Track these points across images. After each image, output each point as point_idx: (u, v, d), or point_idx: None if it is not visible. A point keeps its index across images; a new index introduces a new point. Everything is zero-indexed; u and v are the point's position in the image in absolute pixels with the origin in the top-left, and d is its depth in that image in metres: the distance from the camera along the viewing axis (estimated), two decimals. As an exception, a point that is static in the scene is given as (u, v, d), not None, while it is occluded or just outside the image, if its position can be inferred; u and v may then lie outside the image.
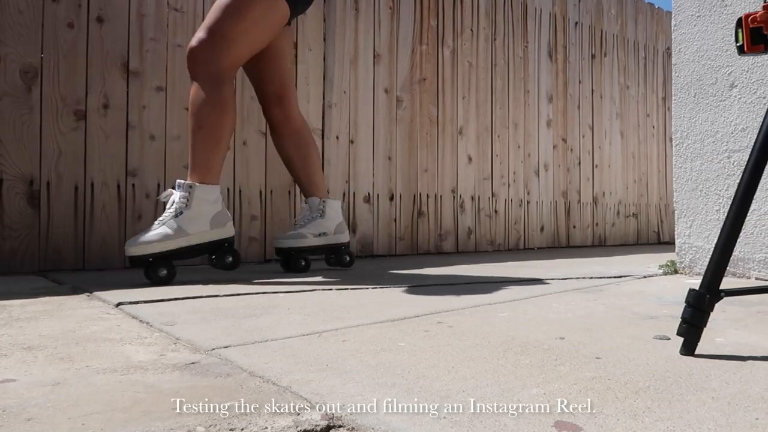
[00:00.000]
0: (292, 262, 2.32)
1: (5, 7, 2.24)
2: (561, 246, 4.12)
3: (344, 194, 3.10)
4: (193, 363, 0.95)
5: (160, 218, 1.95)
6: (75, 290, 1.74)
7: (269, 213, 2.84)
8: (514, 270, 2.46)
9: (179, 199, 1.94)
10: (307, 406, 0.75)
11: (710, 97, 2.22)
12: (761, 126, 1.02)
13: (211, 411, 0.72)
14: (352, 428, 0.69)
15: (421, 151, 3.42)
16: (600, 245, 4.36)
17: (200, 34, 2.02)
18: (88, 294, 1.66)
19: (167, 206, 1.97)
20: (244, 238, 2.75)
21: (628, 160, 4.63)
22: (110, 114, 2.45)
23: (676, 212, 2.32)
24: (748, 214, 2.04)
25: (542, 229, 4.03)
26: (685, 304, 1.02)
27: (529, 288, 1.86)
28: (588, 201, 4.33)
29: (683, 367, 0.93)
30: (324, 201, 2.40)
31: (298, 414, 0.72)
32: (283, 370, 0.91)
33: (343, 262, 2.45)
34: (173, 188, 1.99)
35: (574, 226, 4.23)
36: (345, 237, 2.46)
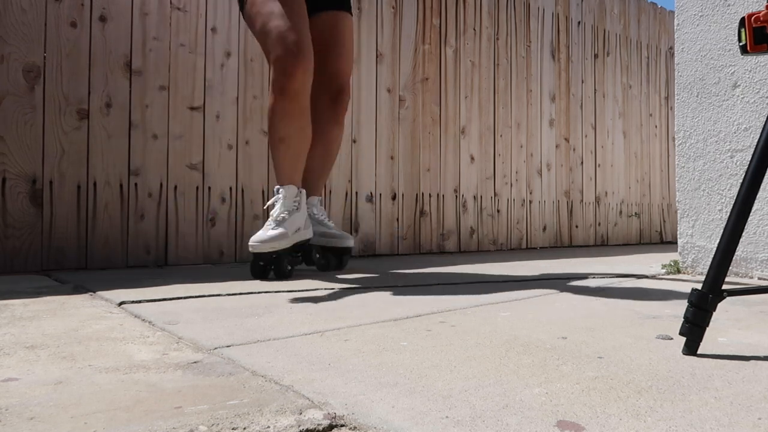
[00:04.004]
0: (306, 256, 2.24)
1: (8, 6, 2.25)
2: (563, 246, 4.12)
3: (346, 193, 3.10)
4: (195, 362, 0.95)
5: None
6: (77, 289, 1.75)
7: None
8: (517, 269, 2.46)
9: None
10: (309, 405, 0.75)
11: (713, 97, 2.22)
12: (764, 125, 1.02)
13: (214, 410, 0.72)
14: (355, 428, 0.69)
15: (423, 151, 3.42)
16: (602, 245, 4.36)
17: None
18: (90, 293, 1.66)
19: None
20: (247, 238, 2.75)
21: (631, 159, 4.62)
22: (113, 113, 2.45)
23: (678, 212, 2.31)
24: (751, 214, 2.04)
25: (545, 228, 4.03)
26: (687, 304, 1.01)
27: (531, 287, 1.86)
28: (590, 200, 4.32)
29: (686, 367, 0.93)
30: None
31: (301, 413, 0.72)
32: (285, 369, 0.91)
33: (313, 261, 2.29)
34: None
35: (577, 226, 4.23)
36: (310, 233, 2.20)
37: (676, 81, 2.34)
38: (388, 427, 0.68)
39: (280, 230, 1.97)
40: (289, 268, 2.02)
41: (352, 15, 2.35)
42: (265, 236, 1.96)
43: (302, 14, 2.03)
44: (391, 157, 3.28)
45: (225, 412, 0.71)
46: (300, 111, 2.02)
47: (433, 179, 3.46)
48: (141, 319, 1.30)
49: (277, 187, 2.06)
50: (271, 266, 2.00)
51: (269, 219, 2.03)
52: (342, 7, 2.31)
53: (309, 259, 2.27)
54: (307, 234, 2.13)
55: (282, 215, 2.01)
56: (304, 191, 2.11)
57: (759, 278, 2.08)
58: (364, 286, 1.85)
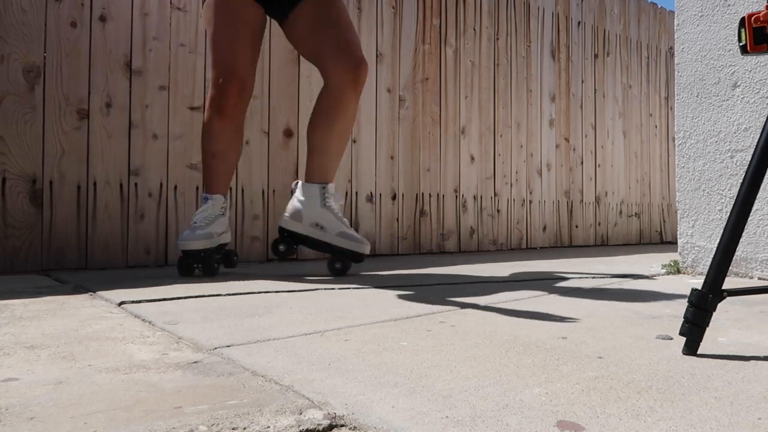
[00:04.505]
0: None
1: (8, 6, 2.25)
2: (563, 246, 4.12)
3: (346, 193, 3.10)
4: (195, 362, 0.95)
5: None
6: (77, 289, 1.75)
7: (271, 212, 2.84)
8: (516, 269, 2.46)
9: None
10: (309, 405, 0.75)
11: (713, 97, 2.22)
12: (765, 125, 1.02)
13: (214, 410, 0.72)
14: (355, 428, 0.69)
15: (423, 151, 3.41)
16: (602, 245, 4.36)
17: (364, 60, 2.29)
18: (90, 293, 1.67)
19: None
20: (246, 238, 2.75)
21: (631, 159, 4.62)
22: (113, 113, 2.45)
23: (678, 212, 2.31)
24: (751, 214, 2.04)
25: (545, 228, 4.03)
26: (687, 304, 1.01)
27: (531, 287, 1.86)
28: (590, 200, 4.32)
29: (686, 367, 0.93)
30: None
31: (301, 413, 0.72)
32: (285, 369, 0.91)
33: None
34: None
35: (577, 226, 4.23)
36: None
37: (676, 81, 2.34)
38: (388, 427, 0.68)
39: (207, 230, 2.12)
40: (216, 265, 2.14)
41: None
42: (194, 235, 2.09)
43: (246, 43, 2.16)
44: (391, 157, 3.28)
45: (225, 412, 0.72)
46: (234, 128, 2.19)
47: (433, 179, 3.45)
48: (141, 319, 1.30)
49: (206, 195, 2.19)
50: (198, 264, 2.12)
51: (196, 221, 2.14)
52: None
53: (228, 262, 2.30)
54: (227, 237, 2.24)
55: (207, 219, 2.15)
56: (226, 198, 2.22)
57: (759, 278, 2.08)
58: (364, 286, 1.85)
